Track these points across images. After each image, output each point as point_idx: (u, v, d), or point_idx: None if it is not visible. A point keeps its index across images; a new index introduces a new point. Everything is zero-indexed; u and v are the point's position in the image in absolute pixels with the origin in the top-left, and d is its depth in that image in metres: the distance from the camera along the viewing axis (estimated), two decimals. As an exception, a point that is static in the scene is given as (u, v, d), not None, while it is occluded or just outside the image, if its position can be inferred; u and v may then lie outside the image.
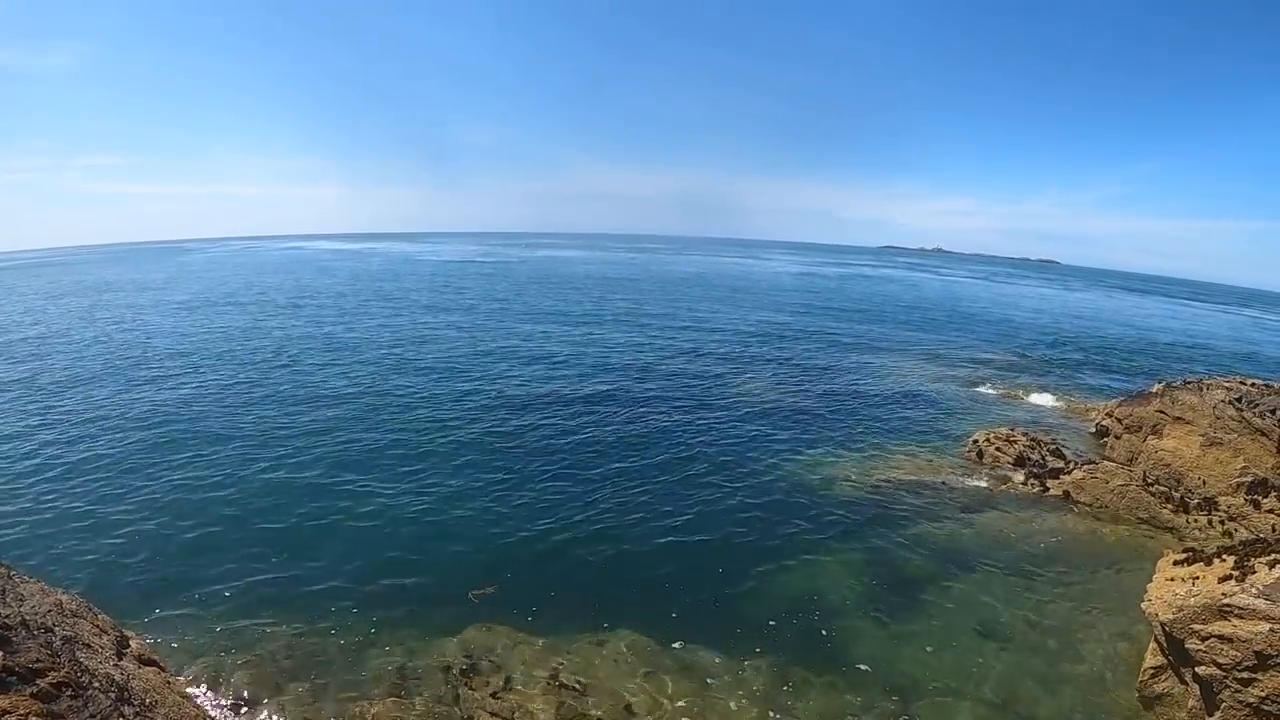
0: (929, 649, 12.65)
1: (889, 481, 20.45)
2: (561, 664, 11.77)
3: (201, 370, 31.27)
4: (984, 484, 20.67)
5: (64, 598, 6.92)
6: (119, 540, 15.53)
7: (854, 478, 20.69)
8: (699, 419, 26.36)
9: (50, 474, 19.32)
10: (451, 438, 23.24)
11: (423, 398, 27.75)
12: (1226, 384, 23.18)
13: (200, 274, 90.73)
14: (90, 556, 14.82)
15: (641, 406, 27.77)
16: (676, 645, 12.47)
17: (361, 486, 18.86)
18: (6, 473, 19.49)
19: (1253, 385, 22.94)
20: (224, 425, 23.50)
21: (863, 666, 12.09)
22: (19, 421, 23.95)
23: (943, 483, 20.51)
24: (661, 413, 27.04)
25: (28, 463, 20.16)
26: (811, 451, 22.96)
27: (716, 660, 12.09)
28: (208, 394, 27.40)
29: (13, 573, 6.77)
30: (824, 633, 13.06)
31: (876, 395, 30.89)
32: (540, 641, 12.40)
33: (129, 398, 26.65)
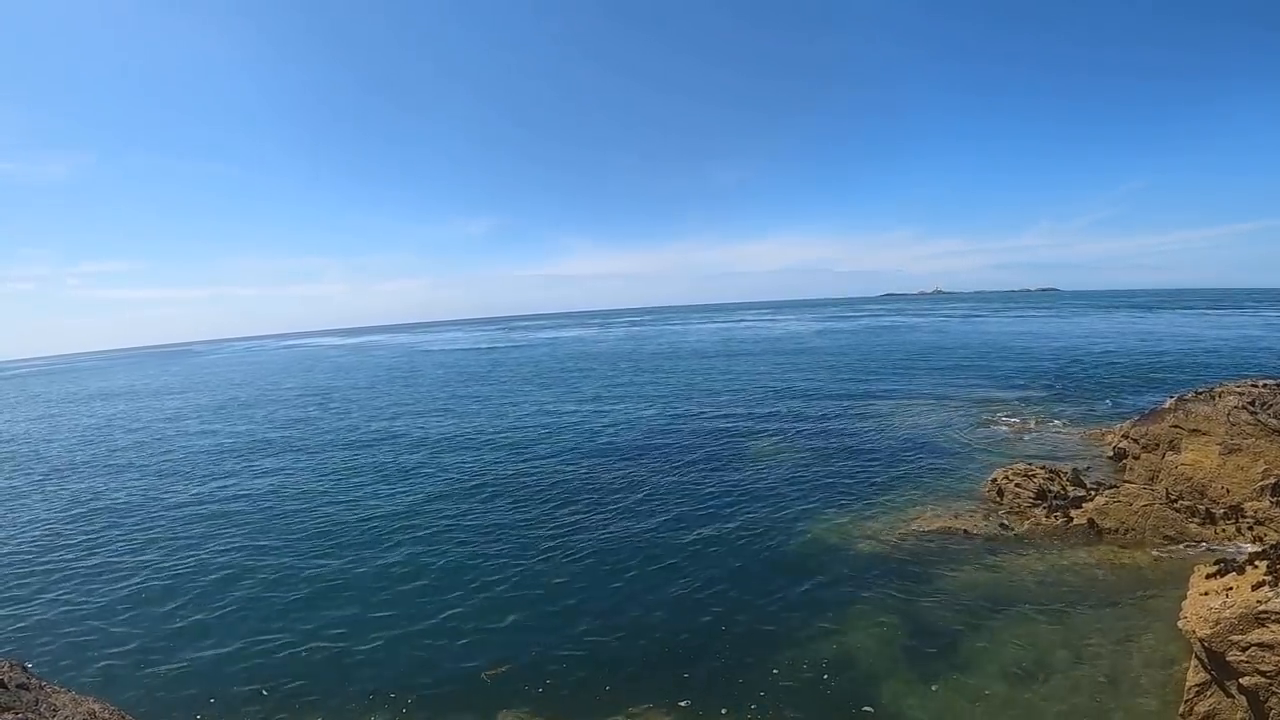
0: (968, 700, 12.19)
1: (910, 533, 19.99)
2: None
3: (220, 470, 31.64)
4: (1007, 523, 20.21)
5: (96, 706, 7.05)
6: (149, 647, 15.55)
7: (875, 533, 20.21)
8: (713, 485, 26.28)
9: (77, 581, 19.63)
10: (450, 513, 23.40)
11: (431, 474, 27.99)
12: (1238, 389, 23.01)
13: (211, 375, 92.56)
14: (120, 664, 14.81)
15: (653, 475, 27.79)
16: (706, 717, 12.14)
17: (374, 575, 18.88)
18: (35, 579, 19.91)
19: (1264, 386, 22.75)
20: (243, 526, 23.64)
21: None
22: (40, 527, 24.33)
23: (965, 529, 19.99)
24: (674, 480, 27.02)
25: (54, 570, 20.58)
26: (830, 510, 22.62)
27: (750, 726, 11.77)
28: (235, 495, 27.66)
29: (44, 683, 6.94)
30: (856, 695, 12.56)
31: (891, 446, 30.66)
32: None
33: (162, 504, 26.92)
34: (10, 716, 6.06)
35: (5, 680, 6.42)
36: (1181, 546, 17.51)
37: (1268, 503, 17.40)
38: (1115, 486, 21.25)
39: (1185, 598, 11.80)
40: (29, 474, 35.97)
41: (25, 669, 6.95)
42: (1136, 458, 22.87)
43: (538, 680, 13.45)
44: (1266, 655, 9.69)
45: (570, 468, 29.90)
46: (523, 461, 31.68)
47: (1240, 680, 9.87)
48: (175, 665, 14.74)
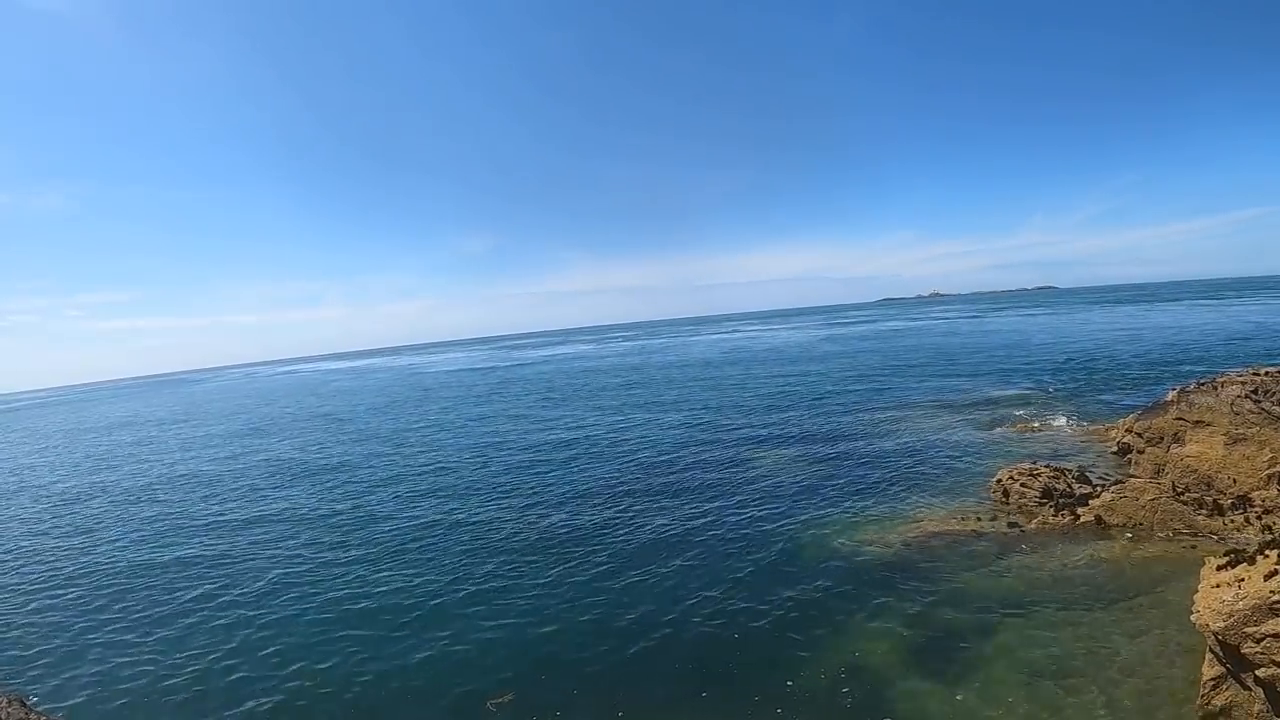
0: (984, 703, 12.01)
1: (918, 537, 19.82)
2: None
3: (224, 501, 31.48)
4: (1014, 523, 20.04)
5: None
6: (153, 682, 15.35)
7: (882, 538, 20.03)
8: (722, 495, 26.18)
9: (82, 614, 19.56)
10: (453, 534, 23.34)
11: (430, 496, 27.86)
12: (1240, 378, 22.94)
13: (215, 402, 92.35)
14: (123, 699, 14.67)
15: (662, 487, 27.67)
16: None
17: (373, 598, 18.73)
18: (38, 611, 19.95)
19: (1266, 374, 22.69)
20: (247, 556, 23.45)
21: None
22: (45, 561, 24.33)
23: (972, 530, 19.84)
24: (683, 491, 26.90)
25: (58, 602, 20.60)
26: (837, 516, 22.48)
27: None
28: (240, 526, 27.49)
29: (44, 718, 6.85)
30: (875, 705, 12.29)
31: (897, 449, 30.53)
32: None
33: (167, 536, 26.73)
34: (9, 754, 5.97)
35: (4, 717, 6.33)
36: (1190, 539, 17.36)
37: (1275, 491, 17.27)
38: (1121, 482, 21.13)
39: (1197, 591, 11.66)
40: (37, 506, 35.80)
41: (24, 704, 6.87)
42: (1141, 452, 22.75)
43: (543, 705, 13.19)
44: (1282, 645, 9.55)
45: (574, 481, 29.73)
46: (530, 473, 31.59)
47: (1256, 672, 9.73)
48: (181, 700, 14.53)
